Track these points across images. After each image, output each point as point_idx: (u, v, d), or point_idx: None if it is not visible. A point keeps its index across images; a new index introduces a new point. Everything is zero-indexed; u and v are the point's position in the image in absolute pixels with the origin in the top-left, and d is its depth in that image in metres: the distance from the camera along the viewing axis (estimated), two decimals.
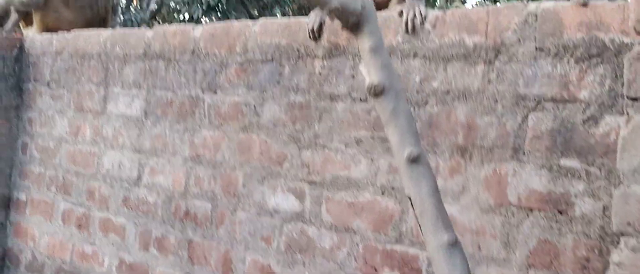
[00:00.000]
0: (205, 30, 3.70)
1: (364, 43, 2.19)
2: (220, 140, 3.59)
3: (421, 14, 2.79)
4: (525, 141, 2.48)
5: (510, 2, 2.59)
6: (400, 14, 2.84)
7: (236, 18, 14.40)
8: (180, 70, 3.81)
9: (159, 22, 22.83)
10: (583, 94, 2.34)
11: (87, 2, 5.25)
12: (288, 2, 15.43)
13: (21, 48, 5.00)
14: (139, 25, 16.00)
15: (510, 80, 2.52)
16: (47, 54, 4.79)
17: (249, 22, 3.51)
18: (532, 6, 2.49)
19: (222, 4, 13.90)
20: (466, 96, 2.65)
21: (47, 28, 5.19)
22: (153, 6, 18.51)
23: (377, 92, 2.15)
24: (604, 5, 2.30)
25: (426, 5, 7.21)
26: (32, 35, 5.12)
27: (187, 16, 14.78)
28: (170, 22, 19.71)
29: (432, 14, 2.79)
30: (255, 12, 16.77)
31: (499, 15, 2.56)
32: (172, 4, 16.15)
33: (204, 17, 14.56)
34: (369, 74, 2.17)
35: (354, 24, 2.20)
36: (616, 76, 2.25)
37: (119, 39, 4.22)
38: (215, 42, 3.62)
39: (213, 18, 14.64)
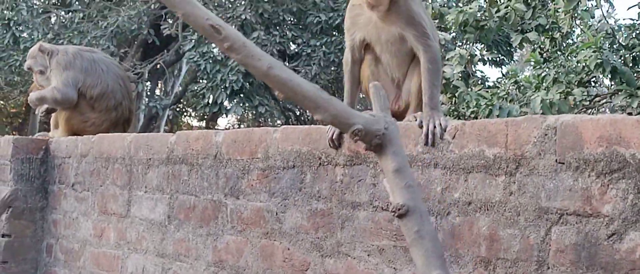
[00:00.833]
0: (227, 136, 3.73)
1: (388, 164, 2.19)
2: (243, 246, 3.58)
3: (441, 126, 2.80)
4: (549, 255, 2.45)
5: (530, 115, 2.59)
6: (420, 125, 2.85)
7: (260, 102, 14.54)
8: (202, 174, 3.83)
9: (183, 104, 23.15)
10: (606, 209, 2.31)
11: (112, 104, 5.33)
12: None
13: (47, 150, 5.08)
14: (162, 110, 16.21)
15: (531, 192, 2.51)
16: (73, 156, 4.85)
17: (270, 129, 3.54)
18: (551, 119, 2.49)
19: (246, 89, 14.06)
20: (488, 208, 2.64)
21: (72, 130, 5.27)
22: (177, 89, 18.80)
23: (401, 213, 2.15)
24: (623, 120, 2.30)
25: (446, 91, 7.25)
26: (58, 137, 5.20)
27: (211, 100, 14.91)
28: (194, 107, 19.94)
29: (452, 124, 2.80)
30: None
31: (518, 127, 2.56)
32: (196, 88, 16.36)
33: (227, 101, 14.71)
34: (393, 194, 2.17)
35: (377, 145, 2.21)
36: (639, 192, 2.23)
37: (142, 143, 4.27)
38: (237, 148, 3.65)
39: (237, 102, 14.79)
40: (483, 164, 2.66)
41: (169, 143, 4.07)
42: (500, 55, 14.81)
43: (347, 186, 3.14)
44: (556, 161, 2.45)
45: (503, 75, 14.13)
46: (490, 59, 14.94)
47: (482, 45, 10.03)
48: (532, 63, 8.51)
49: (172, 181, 4.02)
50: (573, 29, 8.92)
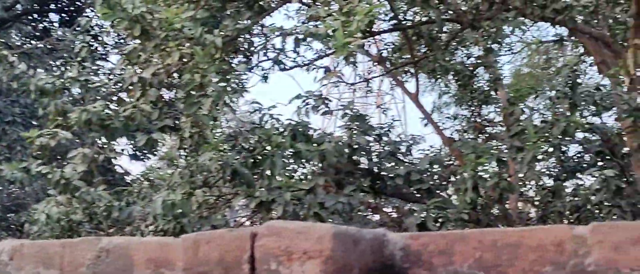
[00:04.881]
0: None
1: None
2: None
3: None
4: None
5: (85, 238, 2.54)
6: None
7: None
8: None
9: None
10: None
11: None
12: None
13: None
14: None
15: None
16: None
17: None
18: (104, 241, 2.46)
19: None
20: None
21: None
22: None
23: None
24: (168, 244, 2.33)
25: (64, 191, 6.97)
26: None
27: None
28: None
29: (9, 246, 2.66)
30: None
31: (75, 249, 2.50)
32: None
33: None
34: None
35: None
36: None
37: None
38: None
39: None
40: None
41: None
42: (143, 151, 14.84)
43: None
44: None
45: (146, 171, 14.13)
46: (133, 153, 14.93)
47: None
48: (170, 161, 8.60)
49: None
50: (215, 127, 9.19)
